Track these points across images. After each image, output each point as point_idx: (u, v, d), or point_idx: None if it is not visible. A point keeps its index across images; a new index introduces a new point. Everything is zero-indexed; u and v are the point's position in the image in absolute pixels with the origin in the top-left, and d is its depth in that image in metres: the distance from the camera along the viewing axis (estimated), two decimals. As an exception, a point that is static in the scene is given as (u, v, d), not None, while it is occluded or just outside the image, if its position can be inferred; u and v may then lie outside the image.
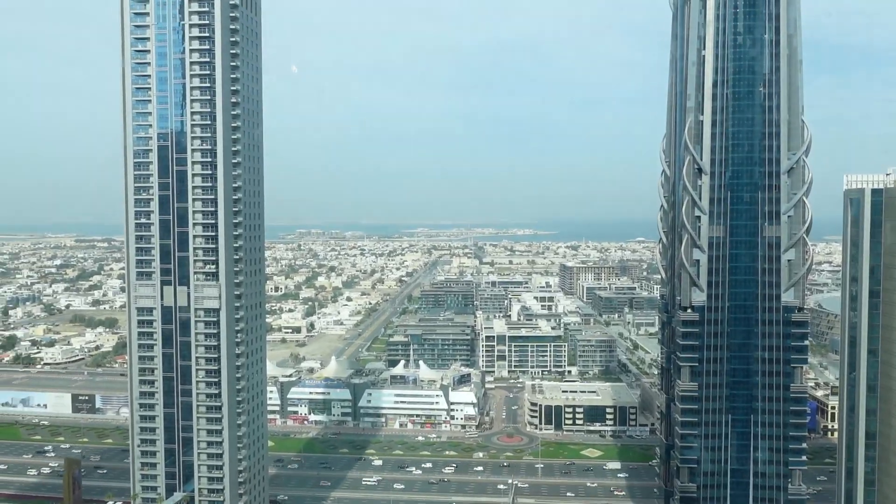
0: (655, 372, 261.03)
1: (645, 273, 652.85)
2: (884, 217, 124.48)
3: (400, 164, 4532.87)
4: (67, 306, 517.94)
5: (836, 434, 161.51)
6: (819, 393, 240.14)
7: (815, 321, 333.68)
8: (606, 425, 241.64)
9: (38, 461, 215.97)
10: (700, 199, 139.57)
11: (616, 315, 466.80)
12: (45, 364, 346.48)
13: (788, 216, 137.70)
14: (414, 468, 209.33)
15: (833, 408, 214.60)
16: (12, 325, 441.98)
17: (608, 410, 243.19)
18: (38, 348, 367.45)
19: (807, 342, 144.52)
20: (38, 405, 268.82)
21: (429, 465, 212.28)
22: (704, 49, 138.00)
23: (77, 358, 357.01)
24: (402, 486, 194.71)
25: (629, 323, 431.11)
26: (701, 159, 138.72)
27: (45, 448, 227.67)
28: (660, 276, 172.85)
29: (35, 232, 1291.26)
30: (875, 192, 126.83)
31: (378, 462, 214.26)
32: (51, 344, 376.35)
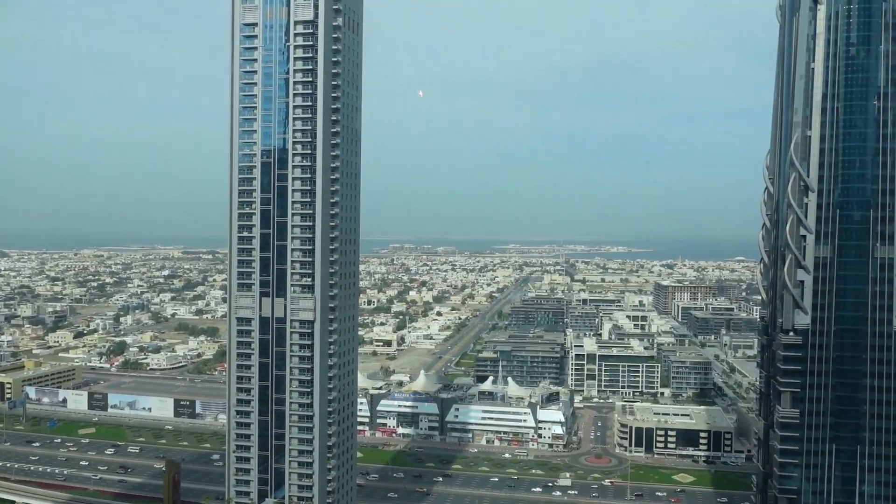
0: (753, 396, 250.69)
1: (744, 294, 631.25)
2: None
3: (494, 181, 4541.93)
4: (173, 315, 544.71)
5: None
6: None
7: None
8: (700, 450, 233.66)
9: (141, 462, 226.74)
10: (806, 217, 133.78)
11: (712, 336, 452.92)
12: (151, 369, 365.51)
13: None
14: (499, 486, 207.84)
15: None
16: (123, 332, 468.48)
17: (702, 435, 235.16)
18: (145, 354, 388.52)
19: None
20: (144, 408, 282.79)
21: (514, 483, 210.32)
22: (813, 62, 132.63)
23: (180, 365, 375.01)
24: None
25: (726, 345, 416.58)
26: (808, 176, 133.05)
27: (147, 450, 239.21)
28: (760, 297, 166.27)
29: (146, 244, 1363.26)
30: None
31: (464, 478, 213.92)
32: (157, 350, 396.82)
